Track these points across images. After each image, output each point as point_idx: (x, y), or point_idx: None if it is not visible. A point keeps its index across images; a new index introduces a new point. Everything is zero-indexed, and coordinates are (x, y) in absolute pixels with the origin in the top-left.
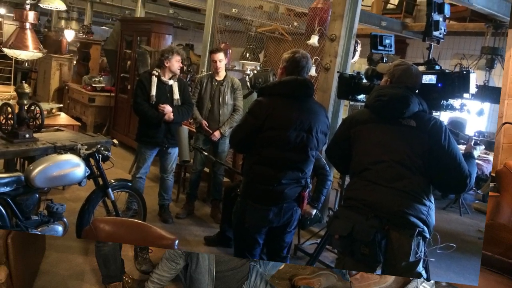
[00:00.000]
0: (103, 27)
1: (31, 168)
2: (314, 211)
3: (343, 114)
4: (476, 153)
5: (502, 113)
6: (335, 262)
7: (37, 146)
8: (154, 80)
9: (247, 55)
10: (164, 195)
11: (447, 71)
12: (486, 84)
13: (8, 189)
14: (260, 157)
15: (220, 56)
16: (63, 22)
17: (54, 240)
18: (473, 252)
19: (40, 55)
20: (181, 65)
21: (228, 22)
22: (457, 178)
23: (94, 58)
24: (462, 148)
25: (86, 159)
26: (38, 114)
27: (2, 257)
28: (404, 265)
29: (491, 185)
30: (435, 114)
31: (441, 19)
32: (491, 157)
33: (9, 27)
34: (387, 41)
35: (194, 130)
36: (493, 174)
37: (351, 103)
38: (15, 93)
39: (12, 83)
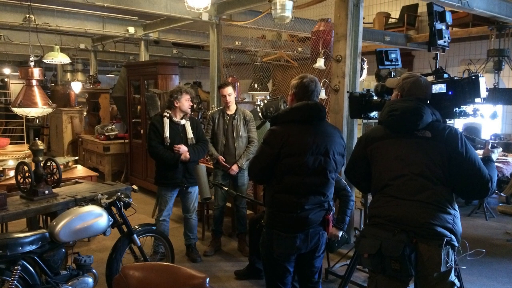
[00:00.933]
0: (109, 75)
1: (54, 223)
2: (340, 233)
3: (357, 133)
4: (494, 156)
5: None
6: (367, 281)
7: (57, 201)
8: (166, 121)
9: (256, 86)
10: (189, 234)
11: (456, 78)
12: (496, 86)
13: (34, 247)
14: (281, 186)
15: (228, 90)
16: (68, 75)
17: None
18: (503, 255)
19: (49, 110)
20: (191, 104)
21: (233, 55)
22: (478, 183)
23: (103, 107)
24: (480, 153)
25: (108, 208)
26: (55, 169)
27: None
28: (436, 276)
29: None
30: (449, 122)
31: (444, 27)
32: (510, 159)
33: (16, 86)
34: (393, 56)
35: (212, 166)
36: None
37: (365, 121)
38: (29, 151)
39: (25, 141)
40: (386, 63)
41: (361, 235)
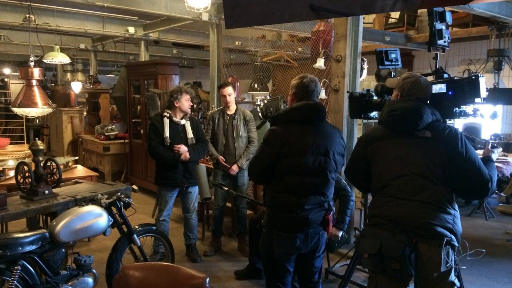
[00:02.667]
0: (109, 75)
1: (55, 223)
2: (340, 233)
3: (357, 133)
4: (494, 156)
5: None
6: (367, 281)
7: (57, 201)
8: (166, 121)
9: (256, 86)
10: (189, 234)
11: (456, 78)
12: (496, 86)
13: (34, 247)
14: (281, 186)
15: (228, 90)
16: (68, 75)
17: None
18: (503, 255)
19: (50, 110)
20: (191, 104)
21: (232, 55)
22: (478, 183)
23: (103, 107)
24: (480, 153)
25: (108, 208)
26: (55, 169)
27: None
28: (436, 276)
29: None
30: (449, 122)
31: (444, 27)
32: (510, 159)
33: (16, 86)
34: (393, 56)
35: (212, 166)
36: None
37: (365, 121)
38: (29, 151)
39: (25, 141)
40: (386, 63)
41: (361, 235)
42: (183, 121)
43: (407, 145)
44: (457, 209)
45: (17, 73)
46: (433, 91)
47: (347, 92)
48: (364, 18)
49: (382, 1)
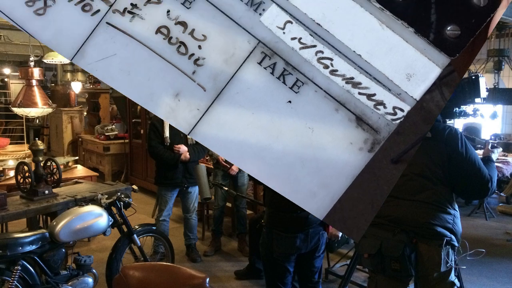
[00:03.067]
0: None
1: (55, 223)
2: (340, 233)
3: None
4: (494, 156)
5: None
6: (367, 281)
7: (57, 201)
8: (166, 121)
9: None
10: (189, 234)
11: None
12: (496, 86)
13: (34, 247)
14: None
15: None
16: (68, 75)
17: None
18: (503, 255)
19: (50, 110)
20: None
21: None
22: (478, 183)
23: (103, 107)
24: (480, 153)
25: (108, 208)
26: (55, 169)
27: None
28: (436, 276)
29: None
30: (449, 122)
31: None
32: (510, 159)
33: (16, 86)
34: None
35: (212, 166)
36: None
37: None
38: (29, 151)
39: (25, 141)
40: None
41: None
42: None
43: None
44: (457, 209)
45: (17, 73)
46: None
47: None
48: None
49: (433, 103)
